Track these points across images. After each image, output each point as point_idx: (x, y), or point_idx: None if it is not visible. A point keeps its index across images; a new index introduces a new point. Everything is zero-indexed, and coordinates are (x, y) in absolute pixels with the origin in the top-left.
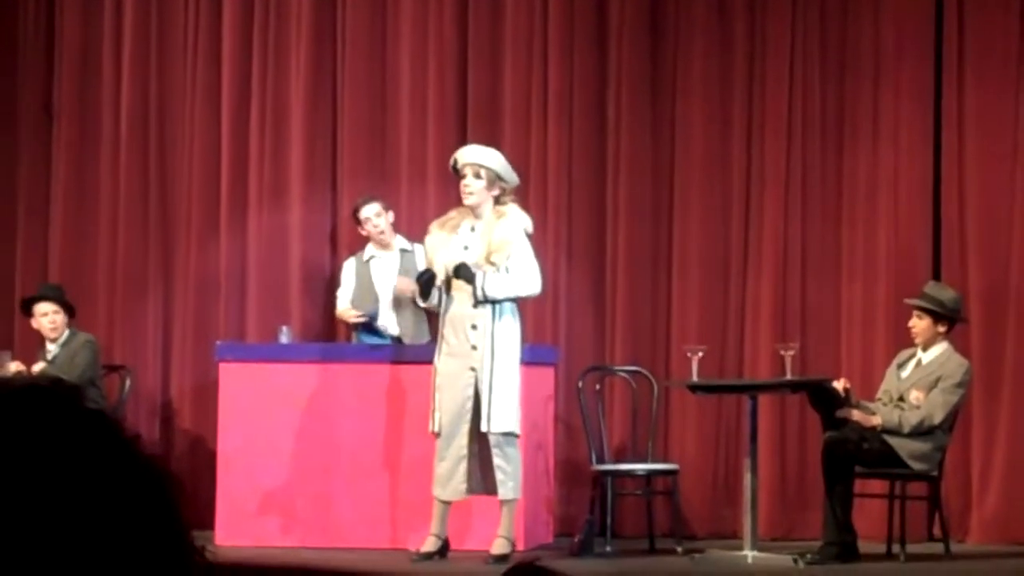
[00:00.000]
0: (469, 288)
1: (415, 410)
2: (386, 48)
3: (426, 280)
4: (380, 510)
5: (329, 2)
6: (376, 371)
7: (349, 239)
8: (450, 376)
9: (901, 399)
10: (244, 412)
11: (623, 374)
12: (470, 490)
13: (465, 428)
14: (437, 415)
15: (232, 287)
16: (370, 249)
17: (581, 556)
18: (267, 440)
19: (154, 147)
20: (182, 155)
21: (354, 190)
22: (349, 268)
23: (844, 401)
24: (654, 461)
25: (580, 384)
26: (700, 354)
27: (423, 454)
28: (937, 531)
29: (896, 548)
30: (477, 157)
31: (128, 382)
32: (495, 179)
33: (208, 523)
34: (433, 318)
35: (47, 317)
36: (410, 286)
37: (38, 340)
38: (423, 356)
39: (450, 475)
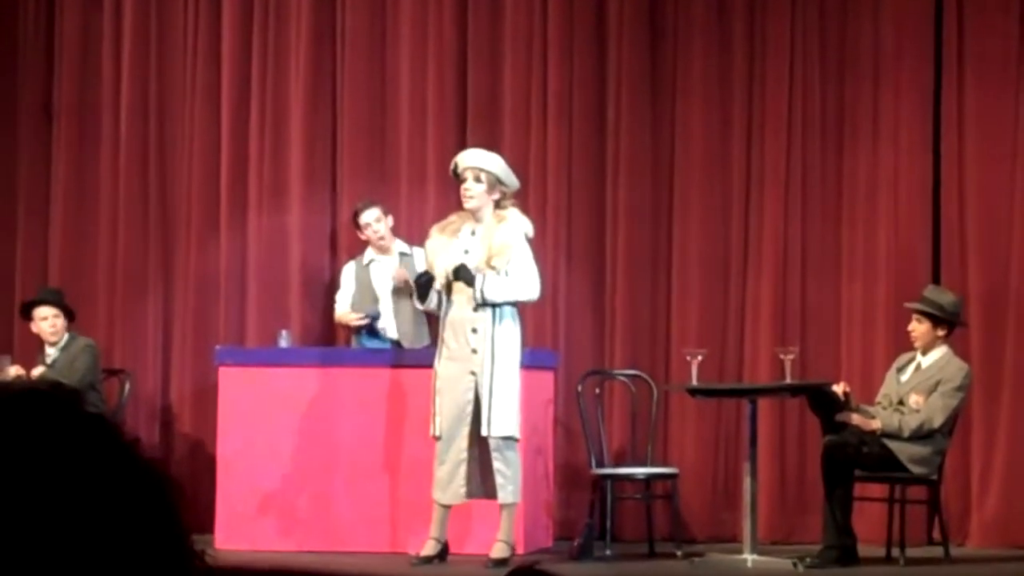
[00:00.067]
0: (469, 292)
1: (415, 414)
2: (386, 49)
3: (424, 282)
4: (380, 514)
5: (329, 3)
6: (376, 375)
7: (349, 242)
8: (450, 380)
9: (901, 403)
10: (244, 416)
11: (622, 378)
12: (470, 494)
13: (465, 432)
14: (438, 419)
15: (232, 290)
16: (370, 253)
17: (581, 560)
18: (267, 444)
19: (154, 148)
20: (182, 156)
21: (354, 192)
22: (349, 272)
23: (844, 405)
24: (654, 465)
25: (580, 388)
26: (700, 357)
27: (422, 458)
28: (937, 535)
29: (896, 552)
30: (478, 161)
31: (128, 386)
32: (496, 183)
33: (208, 527)
34: (433, 321)
35: (47, 321)
36: (406, 274)
37: (37, 344)
38: (423, 360)
39: (450, 479)
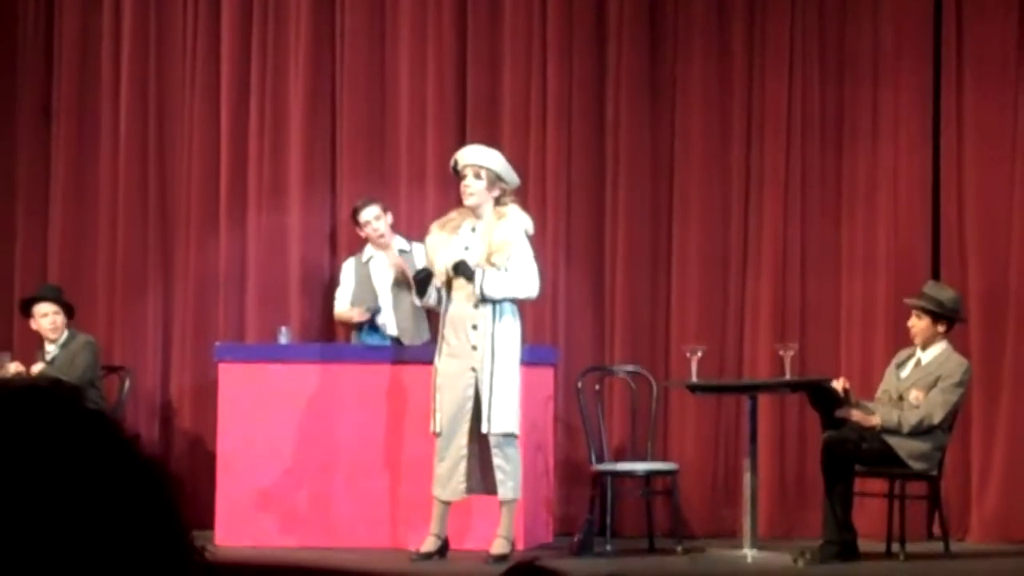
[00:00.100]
0: (469, 288)
1: (415, 410)
2: (385, 50)
3: (422, 278)
4: (380, 510)
5: (328, 4)
6: (376, 371)
7: (348, 240)
8: (450, 376)
9: (900, 399)
10: (243, 412)
11: (622, 374)
12: (470, 490)
13: (465, 428)
14: (438, 415)
15: (231, 287)
16: (369, 250)
17: (580, 556)
18: (267, 440)
19: (153, 148)
20: (181, 156)
21: (353, 191)
22: (348, 269)
23: (843, 401)
24: (653, 461)
25: (579, 384)
26: (699, 354)
27: (423, 454)
28: (937, 530)
29: (896, 547)
30: (477, 158)
31: (127, 383)
32: (495, 180)
33: (208, 523)
34: (432, 316)
35: (47, 318)
36: (404, 263)
37: (37, 341)
38: (423, 356)
39: (450, 475)
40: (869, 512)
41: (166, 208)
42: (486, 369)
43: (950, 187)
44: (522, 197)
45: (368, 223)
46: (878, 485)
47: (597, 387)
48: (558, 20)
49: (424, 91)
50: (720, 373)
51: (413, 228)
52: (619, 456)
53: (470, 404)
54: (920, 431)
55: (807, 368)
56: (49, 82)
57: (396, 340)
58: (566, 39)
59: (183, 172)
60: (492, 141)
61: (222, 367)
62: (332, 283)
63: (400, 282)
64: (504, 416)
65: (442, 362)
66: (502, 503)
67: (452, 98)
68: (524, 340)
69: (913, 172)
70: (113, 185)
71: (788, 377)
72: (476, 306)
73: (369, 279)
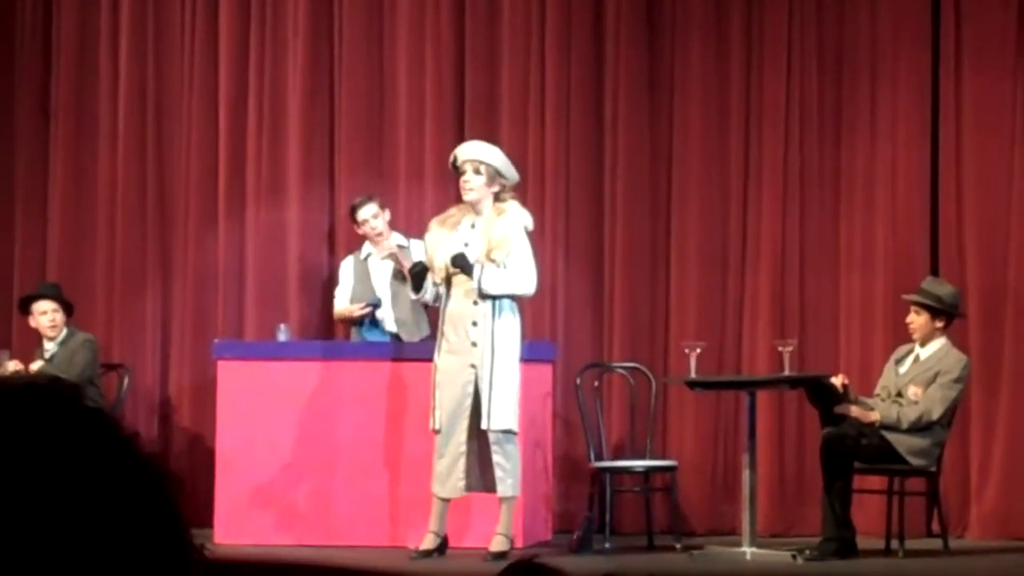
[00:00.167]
0: (469, 285)
1: (414, 407)
2: (383, 46)
3: (418, 272)
4: (379, 508)
5: (326, 1)
6: (375, 368)
7: (347, 237)
8: (450, 373)
9: (899, 395)
10: (243, 410)
11: (621, 371)
12: (469, 487)
13: (464, 425)
14: (438, 412)
15: (230, 285)
16: (367, 247)
17: (580, 553)
18: (266, 438)
19: (151, 146)
20: (179, 153)
21: (352, 188)
22: (347, 267)
23: (842, 397)
24: (652, 458)
25: (578, 381)
26: (698, 350)
27: (422, 452)
28: (936, 527)
29: (895, 544)
30: (477, 153)
31: (126, 380)
32: (495, 175)
33: (207, 521)
34: (431, 311)
35: (46, 316)
36: (397, 250)
37: (36, 339)
38: (422, 353)
39: (449, 472)
40: (868, 509)
41: (165, 206)
42: (485, 366)
43: (949, 182)
44: (521, 194)
45: (366, 221)
46: (877, 482)
47: (596, 384)
48: (556, 17)
49: (422, 88)
50: (719, 369)
51: (412, 225)
52: (618, 453)
53: (469, 401)
54: (919, 427)
55: (806, 364)
56: (47, 80)
57: (395, 337)
58: (564, 36)
59: (181, 170)
60: (490, 138)
61: (221, 364)
62: (331, 280)
63: (398, 274)
64: (503, 413)
65: (441, 359)
66: (501, 500)
67: (450, 95)
68: (523, 337)
69: (911, 166)
70: (112, 183)
71: (787, 373)
72: (475, 303)
73: (368, 276)
